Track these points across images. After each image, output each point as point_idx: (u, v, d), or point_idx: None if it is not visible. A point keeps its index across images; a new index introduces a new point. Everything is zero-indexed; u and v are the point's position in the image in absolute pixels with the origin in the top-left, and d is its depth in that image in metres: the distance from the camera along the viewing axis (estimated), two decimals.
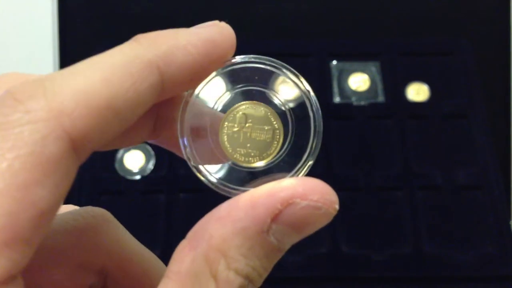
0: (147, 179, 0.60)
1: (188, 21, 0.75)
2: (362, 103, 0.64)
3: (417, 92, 0.65)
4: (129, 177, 0.60)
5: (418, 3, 0.71)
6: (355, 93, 0.65)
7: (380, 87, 0.65)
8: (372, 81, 0.65)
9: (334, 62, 0.67)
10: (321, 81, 0.65)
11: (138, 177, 0.60)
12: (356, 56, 0.67)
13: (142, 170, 0.61)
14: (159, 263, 0.22)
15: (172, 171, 0.60)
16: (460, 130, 0.63)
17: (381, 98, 0.65)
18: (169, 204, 0.60)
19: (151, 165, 0.61)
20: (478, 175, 0.61)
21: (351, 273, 0.56)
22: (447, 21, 0.71)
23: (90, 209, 0.21)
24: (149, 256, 0.22)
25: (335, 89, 0.65)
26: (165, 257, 0.60)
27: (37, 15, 0.78)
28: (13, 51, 0.83)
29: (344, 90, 0.65)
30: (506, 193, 0.62)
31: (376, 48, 0.67)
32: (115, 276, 0.21)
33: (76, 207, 0.21)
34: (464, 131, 0.63)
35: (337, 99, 0.65)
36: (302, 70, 0.69)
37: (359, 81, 0.65)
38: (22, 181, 0.14)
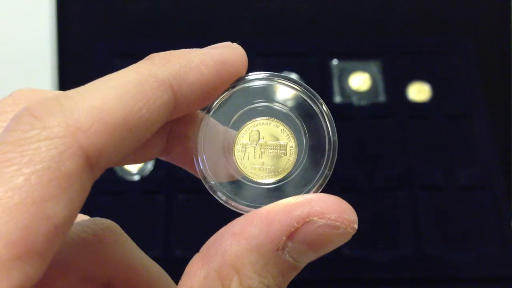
0: (146, 179, 0.60)
1: (188, 19, 0.74)
2: (363, 102, 0.64)
3: (419, 91, 0.65)
4: (129, 178, 0.60)
5: (419, 2, 0.71)
6: (356, 92, 0.65)
7: (381, 86, 0.65)
8: (373, 80, 0.65)
9: (335, 61, 0.66)
10: (321, 81, 0.65)
11: (137, 177, 0.60)
12: (357, 56, 0.66)
13: (141, 170, 0.60)
14: (165, 276, 0.23)
15: (171, 172, 0.60)
16: (462, 130, 0.63)
17: (382, 98, 0.65)
18: (168, 205, 0.59)
19: (150, 166, 0.61)
20: (479, 175, 0.61)
21: (353, 275, 0.56)
22: (449, 20, 0.71)
23: (98, 221, 0.21)
24: (155, 269, 0.22)
25: (336, 88, 0.65)
26: (164, 258, 0.59)
27: (35, 13, 0.78)
28: (12, 49, 0.83)
29: (345, 89, 0.65)
30: (508, 193, 0.62)
31: (377, 47, 0.67)
32: None
33: (86, 217, 0.22)
34: (466, 131, 0.63)
35: (337, 99, 0.65)
36: (303, 69, 0.69)
37: (360, 81, 0.65)
38: (38, 196, 0.14)
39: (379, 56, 0.66)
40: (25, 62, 0.82)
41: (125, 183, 0.60)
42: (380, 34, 0.70)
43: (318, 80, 0.65)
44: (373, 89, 0.65)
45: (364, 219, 0.60)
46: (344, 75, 0.65)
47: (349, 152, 0.62)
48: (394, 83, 0.65)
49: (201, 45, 0.20)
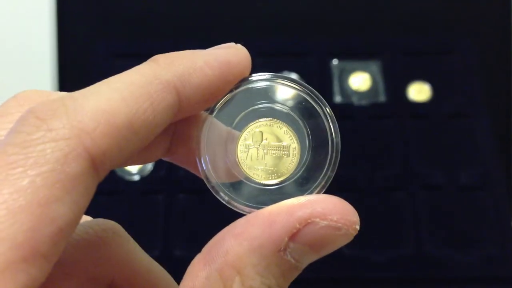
0: (146, 179, 0.60)
1: (187, 19, 0.74)
2: (363, 102, 0.64)
3: (419, 91, 0.64)
4: (128, 178, 0.60)
5: (419, 2, 0.71)
6: (356, 92, 0.64)
7: (381, 86, 0.65)
8: (373, 80, 0.65)
9: (335, 61, 0.66)
10: (321, 81, 0.65)
11: (137, 177, 0.60)
12: (357, 55, 0.66)
13: (141, 170, 0.60)
14: (168, 277, 0.23)
15: (171, 172, 0.60)
16: (462, 130, 0.63)
17: (382, 98, 0.64)
18: (168, 205, 0.59)
19: (150, 166, 0.61)
20: (480, 175, 0.60)
21: (352, 274, 0.56)
22: (449, 20, 0.71)
23: (101, 222, 0.21)
24: (158, 270, 0.22)
25: (336, 88, 0.65)
26: (164, 258, 0.59)
27: (35, 12, 0.77)
28: (11, 50, 0.83)
29: (345, 89, 0.65)
30: (508, 193, 0.62)
31: (378, 47, 0.67)
32: None
33: (88, 218, 0.22)
34: (466, 131, 0.63)
35: (337, 99, 0.64)
36: (303, 69, 0.69)
37: (360, 81, 0.65)
38: (43, 198, 0.14)
39: (379, 56, 0.66)
40: (25, 62, 0.81)
41: (125, 183, 0.60)
42: (380, 33, 0.70)
43: (318, 80, 0.64)
44: (373, 89, 0.65)
45: (364, 218, 0.59)
46: (344, 75, 0.65)
47: (349, 152, 0.62)
48: (394, 83, 0.65)
49: (201, 45, 0.20)
